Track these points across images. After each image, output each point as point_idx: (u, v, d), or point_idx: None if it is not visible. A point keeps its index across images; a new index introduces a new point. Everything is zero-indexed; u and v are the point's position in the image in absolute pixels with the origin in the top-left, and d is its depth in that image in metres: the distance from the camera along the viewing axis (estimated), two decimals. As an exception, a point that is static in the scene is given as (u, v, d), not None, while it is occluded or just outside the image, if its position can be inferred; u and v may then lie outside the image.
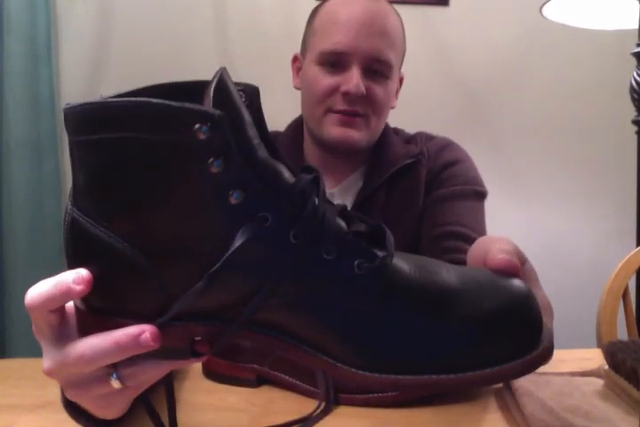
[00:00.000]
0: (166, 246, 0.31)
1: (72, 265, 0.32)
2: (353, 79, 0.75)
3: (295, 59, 0.86)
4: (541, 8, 1.45)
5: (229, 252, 0.30)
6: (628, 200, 1.52)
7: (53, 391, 0.53)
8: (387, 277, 0.32)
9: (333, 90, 0.77)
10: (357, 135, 0.78)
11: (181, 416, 0.48)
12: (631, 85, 1.36)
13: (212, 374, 0.56)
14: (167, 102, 0.29)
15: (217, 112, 0.29)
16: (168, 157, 0.30)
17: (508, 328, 0.33)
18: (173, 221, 0.31)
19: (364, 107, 0.77)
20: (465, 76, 1.78)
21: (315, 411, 0.46)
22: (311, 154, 0.86)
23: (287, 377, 0.51)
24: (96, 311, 0.33)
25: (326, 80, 0.77)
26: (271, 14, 1.73)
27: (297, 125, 0.88)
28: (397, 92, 0.86)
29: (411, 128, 0.92)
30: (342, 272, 0.32)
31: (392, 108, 0.84)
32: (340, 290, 0.32)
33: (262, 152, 0.31)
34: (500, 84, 1.80)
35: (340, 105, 0.77)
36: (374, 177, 0.81)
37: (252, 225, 0.30)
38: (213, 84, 0.30)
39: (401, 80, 0.86)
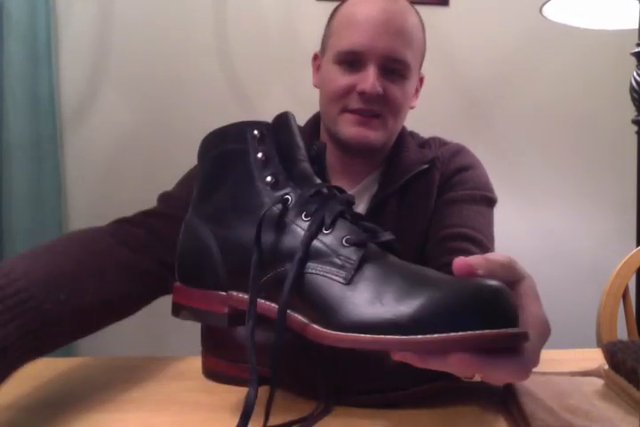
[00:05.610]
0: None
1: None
2: (369, 79, 0.75)
3: (315, 57, 0.87)
4: (541, 8, 1.45)
5: (264, 211, 0.41)
6: (628, 200, 1.52)
7: (53, 391, 0.53)
8: (366, 252, 0.39)
9: (350, 89, 0.77)
10: (373, 135, 0.78)
11: (181, 416, 0.48)
12: (631, 85, 1.36)
13: (211, 374, 0.56)
14: (242, 122, 0.45)
15: (265, 122, 0.45)
16: (240, 157, 0.45)
17: (478, 305, 0.33)
18: (233, 191, 0.45)
19: (381, 106, 0.77)
20: (465, 75, 1.78)
21: (315, 411, 0.46)
22: (328, 152, 0.85)
23: (287, 377, 0.51)
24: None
25: (343, 79, 0.77)
26: (271, 14, 1.73)
27: (315, 122, 0.88)
28: (418, 91, 0.86)
29: (410, 128, 0.92)
30: (334, 244, 0.39)
31: (411, 107, 0.84)
32: (328, 259, 0.39)
33: (300, 160, 0.44)
34: (500, 84, 1.80)
35: (355, 104, 0.77)
36: (389, 183, 0.81)
37: (279, 199, 0.42)
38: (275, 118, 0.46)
39: (421, 79, 0.86)
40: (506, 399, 0.49)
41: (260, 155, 0.43)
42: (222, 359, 0.55)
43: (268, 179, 0.43)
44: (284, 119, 0.45)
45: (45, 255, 0.54)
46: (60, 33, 1.68)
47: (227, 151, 0.45)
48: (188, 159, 0.76)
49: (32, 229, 1.59)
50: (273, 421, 0.40)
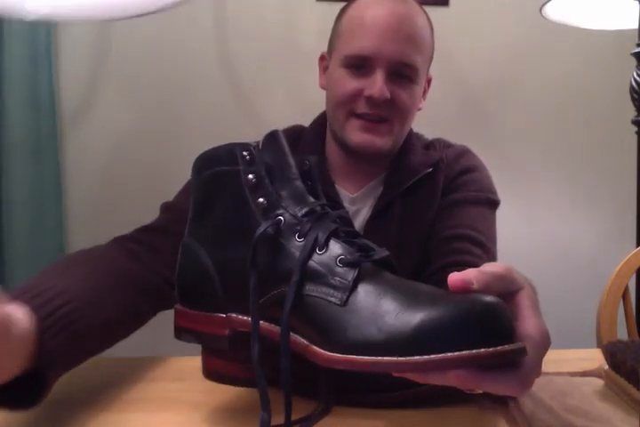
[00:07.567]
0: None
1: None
2: (377, 84, 0.74)
3: (322, 57, 0.85)
4: (541, 8, 1.45)
5: (258, 233, 0.41)
6: (627, 200, 1.52)
7: (53, 391, 0.53)
8: (360, 272, 0.38)
9: (357, 93, 0.76)
10: (380, 141, 0.77)
11: (181, 416, 0.48)
12: (631, 85, 1.36)
13: (211, 374, 0.56)
14: (233, 143, 0.45)
15: (255, 143, 0.45)
16: (232, 178, 0.44)
17: (472, 323, 0.33)
18: (225, 217, 0.45)
19: (388, 111, 0.76)
20: (464, 75, 1.78)
21: (315, 411, 0.47)
22: (333, 154, 0.85)
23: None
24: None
25: (351, 83, 0.76)
26: (271, 14, 1.73)
27: (320, 123, 0.87)
28: (425, 93, 0.85)
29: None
30: (328, 264, 0.39)
31: (419, 109, 0.84)
32: (324, 280, 0.39)
33: (291, 179, 0.44)
34: (500, 84, 1.80)
35: (363, 108, 0.76)
36: (394, 185, 0.81)
37: (271, 221, 0.41)
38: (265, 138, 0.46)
39: (429, 81, 0.86)
40: (506, 399, 0.49)
41: (250, 176, 0.43)
42: (222, 359, 0.55)
43: (260, 200, 0.43)
44: (273, 138, 0.45)
45: (75, 271, 0.56)
46: (60, 33, 1.68)
47: (218, 173, 0.45)
48: (188, 159, 0.76)
49: (32, 229, 1.59)
50: (273, 421, 0.40)
